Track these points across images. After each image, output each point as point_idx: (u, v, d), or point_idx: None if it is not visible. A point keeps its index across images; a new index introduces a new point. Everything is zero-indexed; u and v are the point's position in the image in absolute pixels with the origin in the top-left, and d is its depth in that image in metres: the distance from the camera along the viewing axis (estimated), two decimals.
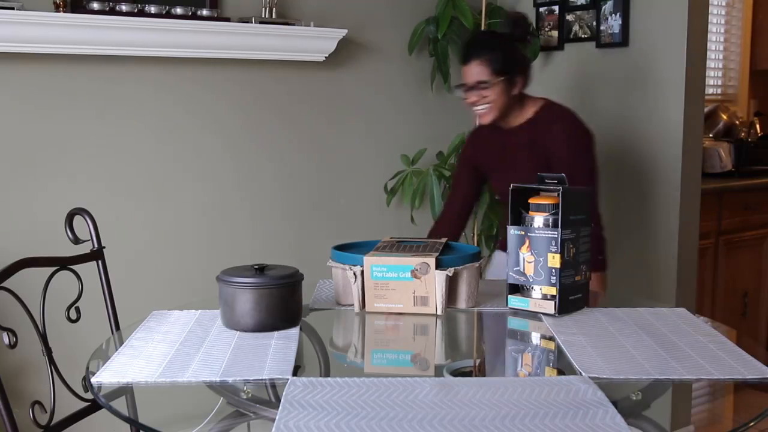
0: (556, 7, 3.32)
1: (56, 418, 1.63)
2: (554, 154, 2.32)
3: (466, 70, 2.32)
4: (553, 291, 1.70)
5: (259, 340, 1.54)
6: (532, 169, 2.30)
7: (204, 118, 2.90)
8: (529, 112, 2.39)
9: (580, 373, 1.36)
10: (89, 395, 1.62)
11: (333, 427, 1.13)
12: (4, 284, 1.59)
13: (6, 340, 1.55)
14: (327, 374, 1.53)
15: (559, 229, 1.68)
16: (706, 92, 3.11)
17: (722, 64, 4.69)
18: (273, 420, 1.16)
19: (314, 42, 2.97)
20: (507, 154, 2.41)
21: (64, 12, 2.47)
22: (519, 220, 1.78)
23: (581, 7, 3.23)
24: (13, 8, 2.36)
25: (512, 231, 1.76)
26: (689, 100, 2.94)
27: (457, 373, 1.51)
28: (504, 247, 2.28)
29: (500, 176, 2.44)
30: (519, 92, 2.36)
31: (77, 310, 1.78)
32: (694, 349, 1.49)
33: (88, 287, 1.80)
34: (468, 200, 2.58)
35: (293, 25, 2.92)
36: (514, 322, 1.78)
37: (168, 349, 1.52)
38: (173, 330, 1.64)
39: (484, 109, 2.32)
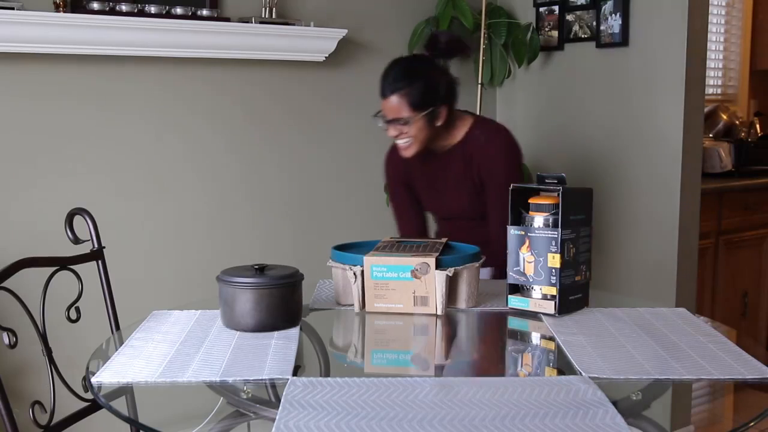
0: (556, 7, 3.32)
1: (56, 418, 1.63)
2: (490, 172, 2.24)
3: (384, 103, 2.17)
4: (553, 291, 1.70)
5: (259, 340, 1.54)
6: (466, 190, 2.28)
7: (204, 118, 2.90)
8: (459, 132, 2.28)
9: (580, 373, 1.36)
10: (89, 395, 1.62)
11: (333, 427, 1.13)
12: (4, 284, 1.59)
13: (6, 340, 1.55)
14: (327, 374, 1.53)
15: (559, 229, 1.68)
16: (706, 92, 3.11)
17: (722, 64, 4.69)
18: (273, 420, 1.16)
19: (314, 42, 2.97)
20: (438, 175, 2.32)
21: (64, 12, 2.47)
22: (519, 220, 1.78)
23: (581, 7, 3.23)
24: (13, 8, 2.36)
25: (512, 231, 1.76)
26: (689, 100, 2.94)
27: (456, 373, 1.50)
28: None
29: (432, 196, 2.37)
30: (444, 121, 2.22)
31: (77, 310, 1.78)
32: (694, 349, 1.49)
33: (88, 287, 1.80)
34: (420, 219, 2.47)
35: (293, 25, 2.92)
36: (514, 322, 1.78)
37: (168, 349, 1.52)
38: (173, 330, 1.64)
39: (405, 143, 2.20)
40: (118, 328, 1.87)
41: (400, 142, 2.21)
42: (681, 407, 3.03)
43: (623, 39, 3.08)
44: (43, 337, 1.67)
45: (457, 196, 2.31)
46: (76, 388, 1.70)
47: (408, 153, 2.23)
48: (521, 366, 1.57)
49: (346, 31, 3.01)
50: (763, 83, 4.83)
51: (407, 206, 2.46)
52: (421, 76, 2.18)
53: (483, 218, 2.31)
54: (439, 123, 2.21)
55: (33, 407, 1.57)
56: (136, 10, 2.61)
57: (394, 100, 2.15)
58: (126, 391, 1.38)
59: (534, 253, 1.72)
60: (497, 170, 2.24)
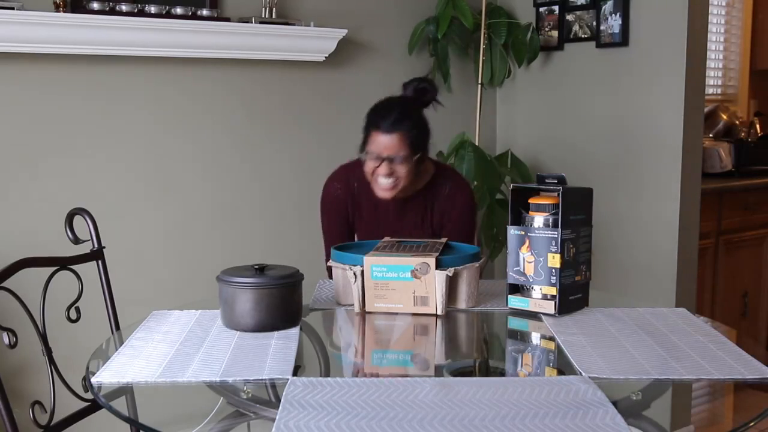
0: (556, 7, 3.32)
1: (56, 418, 1.64)
2: (453, 220, 2.23)
3: (384, 139, 2.09)
4: (553, 291, 1.70)
5: (259, 340, 1.54)
6: (421, 230, 2.23)
7: (204, 118, 2.90)
8: (421, 180, 2.23)
9: (580, 373, 1.36)
10: (89, 395, 1.62)
11: (333, 427, 1.13)
12: (4, 284, 1.59)
13: (6, 340, 1.55)
14: (327, 374, 1.53)
15: (559, 229, 1.68)
16: (706, 92, 3.11)
17: (722, 64, 4.69)
18: (273, 420, 1.16)
19: (314, 42, 2.97)
20: (391, 219, 2.25)
21: (64, 12, 2.47)
22: (519, 220, 1.78)
23: (581, 7, 3.23)
24: (13, 8, 2.36)
25: (512, 231, 1.76)
26: (689, 100, 2.94)
27: (456, 373, 1.51)
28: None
29: (371, 231, 2.27)
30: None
31: (77, 310, 1.78)
32: (694, 349, 1.49)
33: (88, 287, 1.80)
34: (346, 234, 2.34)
35: (293, 25, 2.92)
36: (514, 322, 1.78)
37: (168, 349, 1.52)
38: (173, 330, 1.64)
39: (390, 184, 2.12)
40: (118, 328, 1.87)
41: (387, 181, 2.12)
42: (681, 407, 3.03)
43: (623, 39, 3.08)
44: (43, 337, 1.67)
45: (408, 234, 2.22)
46: (76, 388, 1.70)
47: (389, 194, 2.14)
48: (521, 366, 1.57)
49: (346, 31, 3.01)
50: (763, 83, 4.83)
51: (343, 237, 2.32)
52: (417, 120, 2.16)
53: None
54: (420, 169, 2.18)
55: (33, 407, 1.57)
56: (136, 10, 2.61)
57: (395, 138, 2.09)
58: (126, 391, 1.38)
59: (534, 253, 1.72)
60: (462, 221, 2.24)
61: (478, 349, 1.71)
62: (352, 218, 2.31)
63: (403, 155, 2.10)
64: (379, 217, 2.26)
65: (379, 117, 2.13)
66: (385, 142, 2.09)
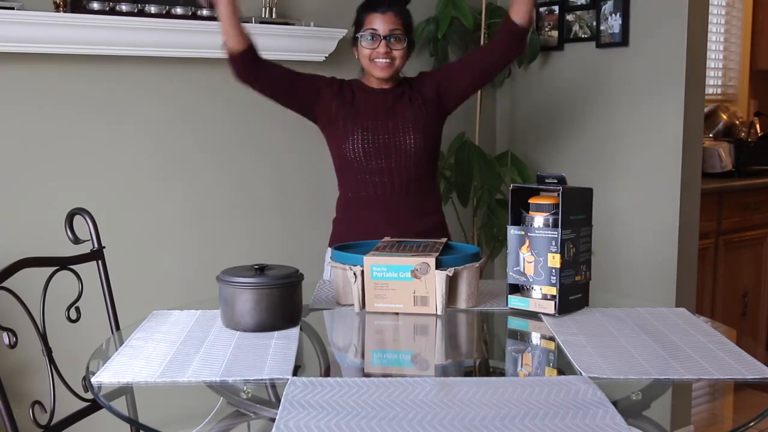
0: (556, 7, 3.32)
1: (56, 418, 1.64)
2: (434, 79, 2.34)
3: (379, 18, 2.24)
4: (553, 291, 1.70)
5: (259, 340, 1.54)
6: (418, 117, 2.30)
7: (204, 118, 2.91)
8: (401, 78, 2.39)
9: (580, 373, 1.36)
10: (89, 395, 1.62)
11: (333, 427, 1.13)
12: (4, 284, 1.59)
13: (6, 340, 1.55)
14: (327, 374, 1.53)
15: (559, 229, 1.68)
16: (706, 92, 3.11)
17: (722, 64, 4.70)
18: (273, 420, 1.16)
19: (314, 42, 2.97)
20: (387, 107, 2.31)
21: (64, 12, 2.48)
22: (519, 220, 1.78)
23: (581, 7, 3.23)
24: (13, 8, 2.36)
25: (512, 231, 1.76)
26: (689, 100, 2.94)
27: (456, 373, 1.51)
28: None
29: (369, 125, 2.28)
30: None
31: (77, 310, 1.78)
32: (694, 349, 1.49)
33: (88, 287, 1.80)
34: (283, 77, 2.31)
35: (293, 25, 2.92)
36: (514, 322, 1.78)
37: (168, 349, 1.52)
38: (173, 330, 1.64)
39: (387, 62, 2.25)
40: (118, 328, 1.87)
41: (384, 60, 2.25)
42: (681, 407, 3.03)
43: (623, 39, 3.08)
44: (43, 337, 1.67)
45: (402, 122, 2.30)
46: (76, 388, 1.70)
47: (387, 72, 2.26)
48: (521, 366, 1.57)
49: (346, 31, 3.01)
50: (763, 83, 4.83)
51: (291, 75, 2.32)
52: (406, 6, 2.31)
53: (426, 162, 2.32)
54: (408, 59, 2.31)
55: (33, 407, 1.57)
56: (136, 10, 2.61)
57: (391, 16, 2.24)
58: (126, 391, 1.38)
59: (534, 253, 1.72)
60: (438, 69, 2.45)
61: (478, 349, 1.71)
62: (326, 105, 2.31)
63: (399, 33, 2.25)
64: (370, 100, 2.32)
65: (374, 1, 2.27)
66: (382, 19, 2.24)
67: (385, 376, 1.44)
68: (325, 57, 3.04)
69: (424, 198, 2.34)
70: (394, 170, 2.29)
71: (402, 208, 2.30)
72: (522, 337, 1.77)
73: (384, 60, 2.25)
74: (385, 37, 2.24)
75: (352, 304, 1.77)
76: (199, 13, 2.74)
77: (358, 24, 2.31)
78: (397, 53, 2.26)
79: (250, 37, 2.22)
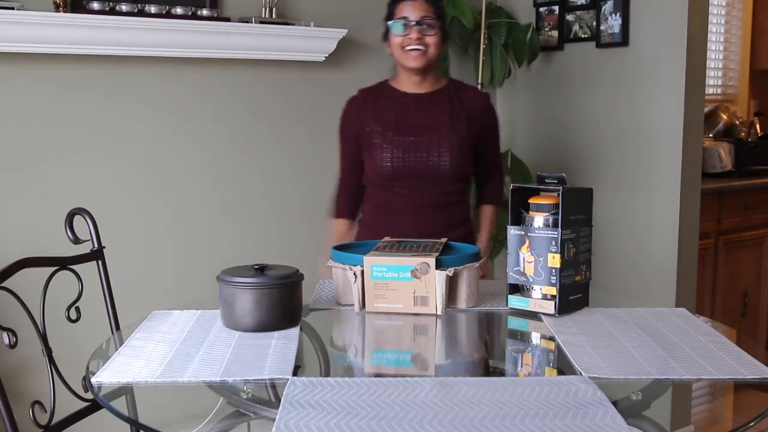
0: (556, 7, 3.32)
1: (56, 418, 1.63)
2: (492, 128, 2.33)
3: (409, 5, 2.18)
4: (553, 291, 1.70)
5: (259, 340, 1.54)
6: (451, 134, 2.21)
7: (204, 118, 2.91)
8: (440, 80, 2.30)
9: (580, 373, 1.36)
10: (89, 395, 1.62)
11: (333, 427, 1.13)
12: (4, 284, 1.59)
13: (6, 340, 1.55)
14: (327, 374, 1.53)
15: (559, 229, 1.68)
16: (706, 92, 3.11)
17: (722, 64, 4.70)
18: (273, 420, 1.16)
19: (314, 42, 2.97)
20: (413, 105, 2.25)
21: (64, 12, 2.47)
22: (519, 220, 1.78)
23: (581, 7, 3.23)
24: (13, 8, 2.36)
25: (512, 231, 1.76)
26: (689, 100, 2.94)
27: (456, 373, 1.50)
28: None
29: (396, 125, 2.23)
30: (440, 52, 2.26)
31: (77, 310, 1.78)
32: (694, 349, 1.49)
33: (88, 287, 1.80)
34: (358, 182, 2.37)
35: (293, 25, 2.92)
36: (514, 322, 1.78)
37: (168, 349, 1.52)
38: (173, 330, 1.64)
39: (421, 51, 2.18)
40: (118, 328, 1.87)
41: (416, 47, 2.18)
42: (681, 407, 3.03)
43: (623, 39, 3.08)
44: (43, 337, 1.67)
45: (437, 139, 2.21)
46: (76, 388, 1.70)
47: (419, 61, 2.19)
48: (521, 366, 1.57)
49: (346, 31, 3.01)
50: (763, 83, 4.83)
51: (352, 173, 2.36)
52: None
53: (457, 180, 2.25)
54: (443, 49, 2.25)
55: (33, 407, 1.57)
56: (136, 10, 2.61)
57: (422, 2, 2.18)
58: (126, 391, 1.38)
59: (534, 253, 1.72)
60: (495, 128, 2.37)
61: (478, 349, 1.71)
62: (360, 134, 2.28)
63: (430, 20, 2.17)
64: (401, 111, 2.25)
65: None
66: (413, 6, 2.18)
67: (385, 376, 1.44)
68: (325, 57, 3.04)
69: (454, 210, 2.28)
70: (425, 187, 2.23)
71: (431, 220, 2.23)
72: (522, 337, 1.77)
73: (417, 47, 2.17)
74: (417, 23, 2.17)
75: (352, 304, 1.77)
76: (199, 13, 2.74)
77: (389, 15, 2.24)
78: (430, 40, 2.18)
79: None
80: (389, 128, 2.23)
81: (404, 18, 2.18)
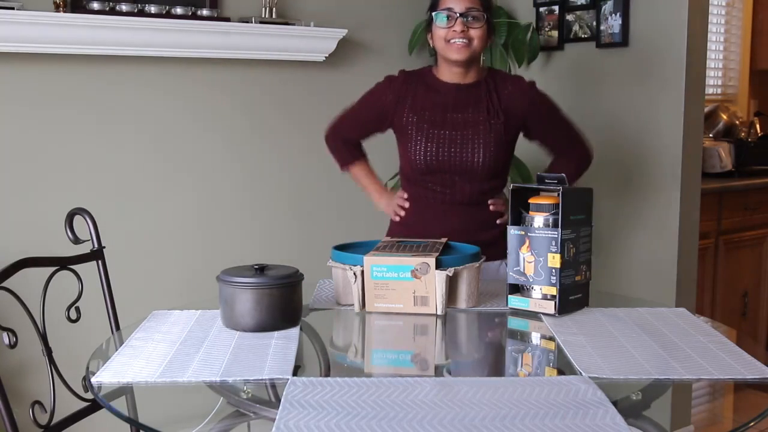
0: (556, 7, 3.32)
1: (56, 418, 1.64)
2: (542, 109, 2.23)
3: None
4: (553, 291, 1.70)
5: (259, 340, 1.54)
6: (488, 115, 2.15)
7: (204, 118, 2.91)
8: (482, 71, 2.22)
9: (580, 373, 1.36)
10: (89, 395, 1.62)
11: (333, 427, 1.13)
12: (4, 284, 1.59)
13: (6, 340, 1.55)
14: (327, 374, 1.53)
15: (559, 229, 1.68)
16: (706, 92, 3.10)
17: (722, 64, 4.69)
18: (273, 420, 1.16)
19: (314, 42, 2.97)
20: (452, 96, 2.18)
21: (64, 12, 2.47)
22: (519, 220, 1.78)
23: (581, 7, 3.23)
24: (13, 8, 2.36)
25: (512, 231, 1.76)
26: (689, 100, 2.94)
27: (456, 373, 1.50)
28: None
29: (431, 115, 2.17)
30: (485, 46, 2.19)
31: (77, 310, 1.78)
32: (694, 349, 1.49)
33: (88, 287, 1.80)
34: (359, 139, 2.38)
35: (293, 25, 2.92)
36: (514, 322, 1.78)
37: (168, 349, 1.52)
38: (173, 330, 1.64)
39: (465, 43, 2.09)
40: (118, 328, 1.87)
41: (461, 41, 2.09)
42: (681, 407, 3.03)
43: (623, 39, 3.08)
44: (43, 337, 1.67)
45: (473, 135, 2.14)
46: (76, 388, 1.70)
47: (464, 54, 2.10)
48: (521, 366, 1.57)
49: (346, 31, 3.01)
50: (763, 83, 4.83)
51: (359, 132, 2.36)
52: None
53: (492, 177, 2.19)
54: (489, 44, 2.19)
55: (33, 407, 1.57)
56: (136, 10, 2.61)
57: None
58: (126, 391, 1.38)
59: (534, 253, 1.72)
60: (543, 111, 2.24)
61: (478, 349, 1.71)
62: (394, 119, 2.22)
63: (476, 12, 2.10)
64: (439, 103, 2.18)
65: None
66: None
67: (385, 376, 1.44)
68: (325, 57, 3.04)
69: (487, 209, 2.21)
70: (458, 183, 2.17)
71: (462, 219, 2.17)
72: (522, 337, 1.77)
73: (461, 40, 2.09)
74: (461, 15, 2.08)
75: (352, 304, 1.77)
76: (199, 13, 2.74)
77: (433, 5, 2.15)
78: (475, 33, 2.09)
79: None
80: (425, 120, 2.16)
81: (449, 9, 2.09)
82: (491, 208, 2.21)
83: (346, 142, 2.41)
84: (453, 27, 2.09)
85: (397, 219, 2.29)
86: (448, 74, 2.18)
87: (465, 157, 2.13)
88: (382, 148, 2.46)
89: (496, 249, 2.03)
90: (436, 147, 2.13)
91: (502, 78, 2.23)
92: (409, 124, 2.18)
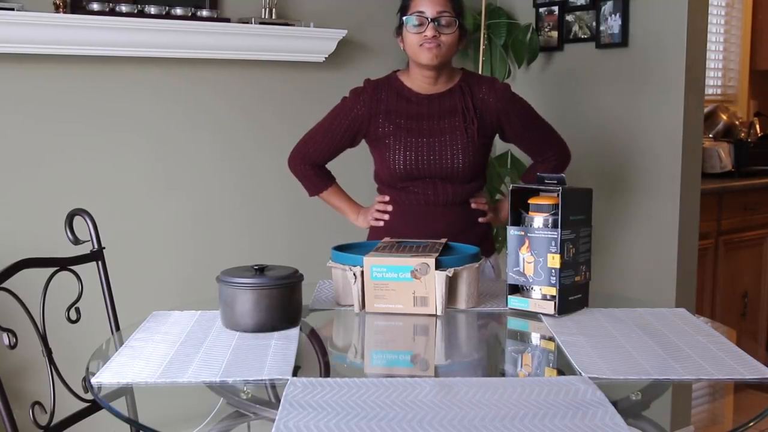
0: (555, 8, 3.32)
1: (56, 419, 1.64)
2: (516, 112, 2.23)
3: (423, 1, 2.08)
4: (553, 291, 1.70)
5: (259, 341, 1.54)
6: (464, 135, 2.15)
7: (204, 119, 2.91)
8: (454, 77, 2.22)
9: (580, 373, 1.36)
10: (89, 395, 1.62)
11: (333, 427, 1.14)
12: (4, 284, 1.59)
13: (6, 341, 1.56)
14: (327, 374, 1.53)
15: (559, 230, 1.68)
16: (706, 92, 3.11)
17: (722, 64, 4.70)
18: (273, 420, 1.16)
19: (314, 42, 2.98)
20: (425, 104, 2.18)
21: (64, 13, 2.48)
22: (519, 221, 1.78)
23: (581, 8, 3.23)
24: (13, 9, 2.36)
25: (512, 231, 1.76)
26: (689, 100, 2.94)
27: (456, 373, 1.50)
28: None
29: (407, 124, 2.17)
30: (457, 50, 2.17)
31: (77, 310, 1.78)
32: (694, 350, 1.49)
33: (88, 287, 1.80)
34: (328, 160, 2.37)
35: (293, 25, 2.92)
36: (513, 323, 1.78)
37: (168, 349, 1.52)
38: (173, 330, 1.64)
39: (435, 49, 2.09)
40: (118, 328, 1.87)
41: (432, 45, 2.08)
42: (681, 407, 3.03)
43: (623, 39, 3.08)
44: (43, 338, 1.67)
45: (450, 140, 2.15)
46: (76, 389, 1.70)
47: (434, 58, 2.09)
48: (521, 366, 1.57)
49: (346, 31, 3.01)
50: (763, 83, 4.83)
51: (330, 148, 2.33)
52: None
53: (471, 179, 2.20)
54: (460, 47, 2.17)
55: (33, 407, 1.57)
56: (135, 11, 2.61)
57: None
58: (126, 391, 1.38)
59: (534, 254, 1.72)
60: (519, 113, 2.25)
61: (478, 350, 1.71)
62: (367, 132, 2.22)
63: (448, 16, 2.08)
64: (413, 112, 2.18)
65: None
66: (429, 1, 2.08)
67: (385, 376, 1.44)
68: (325, 58, 3.04)
69: (469, 208, 2.23)
70: (439, 185, 2.18)
71: (445, 219, 2.19)
72: (522, 337, 1.77)
73: (432, 44, 2.08)
74: (432, 20, 2.07)
75: (352, 305, 1.77)
76: (198, 13, 2.74)
77: (404, 9, 2.15)
78: (446, 38, 2.09)
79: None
80: (401, 129, 2.17)
81: (420, 13, 2.08)
82: (473, 206, 2.24)
83: (314, 165, 2.38)
84: (424, 32, 2.09)
85: (381, 224, 2.28)
86: (419, 79, 2.19)
87: (444, 162, 2.16)
88: (356, 157, 2.46)
89: (480, 248, 2.04)
90: (415, 155, 2.15)
91: (476, 81, 2.24)
92: (386, 135, 2.19)
